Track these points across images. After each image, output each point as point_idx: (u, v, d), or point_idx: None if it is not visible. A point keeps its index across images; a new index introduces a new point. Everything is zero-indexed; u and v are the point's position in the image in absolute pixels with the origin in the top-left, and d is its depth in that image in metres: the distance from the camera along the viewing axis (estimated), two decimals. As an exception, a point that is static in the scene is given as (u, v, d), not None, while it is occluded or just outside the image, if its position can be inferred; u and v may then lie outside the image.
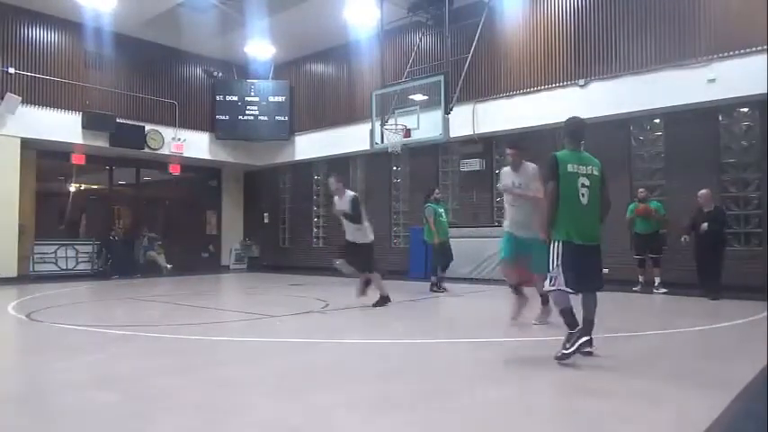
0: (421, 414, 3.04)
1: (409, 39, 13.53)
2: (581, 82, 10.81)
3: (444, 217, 9.69)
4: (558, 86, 11.12)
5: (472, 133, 12.12)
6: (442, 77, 11.43)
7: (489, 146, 12.39)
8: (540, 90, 11.32)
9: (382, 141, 12.40)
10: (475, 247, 11.87)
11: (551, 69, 11.29)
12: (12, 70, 12.38)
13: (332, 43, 14.67)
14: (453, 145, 12.63)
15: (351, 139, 14.12)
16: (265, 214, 17.01)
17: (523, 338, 5.40)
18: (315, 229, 15.83)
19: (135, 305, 8.60)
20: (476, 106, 12.07)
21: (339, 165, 15.09)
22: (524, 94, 11.51)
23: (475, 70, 12.06)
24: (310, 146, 15.52)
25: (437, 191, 9.87)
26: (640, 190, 9.57)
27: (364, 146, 13.04)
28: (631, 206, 9.48)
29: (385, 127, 12.40)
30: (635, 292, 9.14)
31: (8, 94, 12.06)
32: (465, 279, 11.76)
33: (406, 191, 14.01)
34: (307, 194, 15.99)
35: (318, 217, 15.73)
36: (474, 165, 12.43)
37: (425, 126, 11.67)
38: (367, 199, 14.81)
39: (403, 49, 13.47)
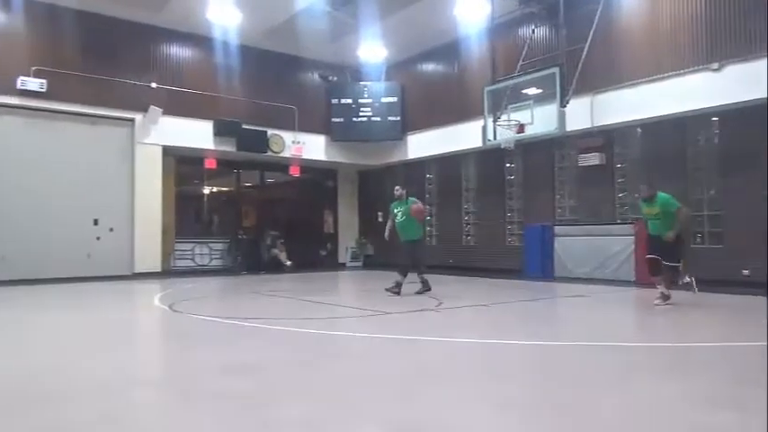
0: (534, 417, 2.99)
1: (521, 31, 13.19)
2: (714, 65, 9.92)
3: (400, 217, 8.93)
4: (688, 71, 10.28)
5: (590, 126, 11.57)
6: (557, 69, 11.04)
7: (610, 139, 11.76)
8: (667, 77, 10.53)
9: (495, 138, 12.23)
10: (596, 246, 11.34)
11: (679, 53, 10.45)
12: (154, 85, 13.72)
13: (442, 41, 14.67)
14: (570, 139, 12.14)
15: (463, 136, 14.05)
16: (379, 213, 17.36)
17: (645, 343, 5.09)
18: (428, 227, 15.93)
19: (261, 299, 9.21)
20: (594, 97, 11.50)
21: (451, 163, 15.09)
22: (649, 81, 10.76)
23: (593, 59, 11.47)
24: (422, 145, 15.65)
25: (397, 188, 9.14)
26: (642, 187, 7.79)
27: (476, 143, 12.93)
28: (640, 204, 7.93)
29: (497, 123, 12.21)
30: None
31: (151, 106, 13.38)
32: (585, 280, 11.27)
33: (520, 187, 13.68)
34: (419, 193, 16.09)
35: (432, 215, 15.82)
36: (593, 159, 11.85)
37: (540, 120, 11.34)
38: (480, 197, 14.70)
39: (515, 43, 13.16)
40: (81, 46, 12.76)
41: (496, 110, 12.26)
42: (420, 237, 9.15)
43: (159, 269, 13.53)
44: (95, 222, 12.93)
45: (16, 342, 5.48)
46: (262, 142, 15.11)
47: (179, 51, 14.46)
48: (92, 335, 5.87)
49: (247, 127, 14.82)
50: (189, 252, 14.86)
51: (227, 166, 15.89)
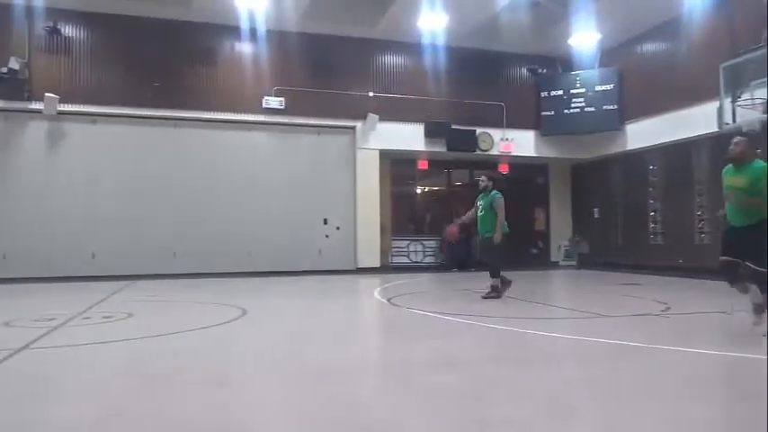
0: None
1: (769, -7, 11.25)
2: None
3: (480, 210, 8.52)
4: None
5: None
6: (819, 33, 9.24)
7: None
8: None
9: (734, 120, 10.69)
10: None
11: None
12: (371, 94, 14.82)
13: (664, 18, 13.23)
14: (839, 115, 10.03)
15: (691, 122, 12.52)
16: (595, 209, 16.39)
17: None
18: (651, 225, 14.53)
19: (472, 296, 9.38)
20: None
21: (679, 152, 13.55)
22: None
23: None
24: (644, 134, 14.32)
25: (482, 178, 8.63)
26: None
27: (710, 128, 11.44)
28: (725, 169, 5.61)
29: (737, 103, 10.65)
30: None
31: (369, 114, 14.49)
32: None
33: (770, 176, 11.69)
34: (641, 186, 14.79)
35: (655, 211, 14.40)
36: None
37: (796, 96, 9.61)
38: (716, 188, 12.91)
39: (757, 8, 11.27)
40: (310, 65, 14.36)
41: (736, 88, 10.70)
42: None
43: (378, 265, 14.59)
44: (325, 222, 14.45)
45: (261, 326, 6.44)
46: (470, 141, 15.33)
47: (392, 60, 15.39)
48: (321, 323, 6.62)
49: (456, 127, 15.17)
50: (404, 249, 15.76)
51: (437, 166, 16.45)
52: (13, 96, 12.24)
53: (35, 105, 12.32)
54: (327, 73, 14.51)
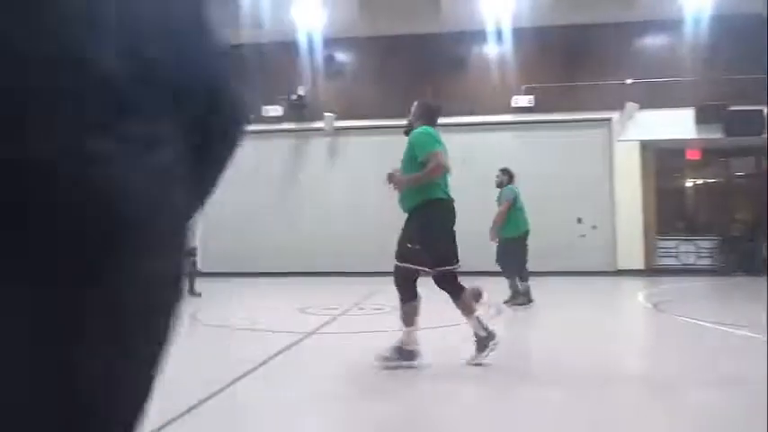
0: None
1: None
2: None
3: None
4: None
5: None
6: None
7: None
8: None
9: None
10: None
11: None
12: (629, 81, 13.67)
13: None
14: None
15: None
16: None
17: None
18: None
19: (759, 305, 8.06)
20: None
21: None
22: None
23: None
24: None
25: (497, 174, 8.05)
26: None
27: None
28: None
29: None
30: None
31: (627, 103, 13.40)
32: None
33: None
34: None
35: None
36: None
37: None
38: None
39: None
40: (560, 58, 13.91)
41: None
42: (511, 234, 7.58)
43: (642, 266, 13.42)
44: (579, 221, 13.81)
45: (521, 326, 6.51)
46: (757, 123, 13.06)
47: (652, 42, 14.05)
48: (581, 327, 6.41)
49: (737, 108, 13.09)
50: (672, 250, 14.18)
51: (711, 154, 14.45)
52: (301, 118, 14.58)
53: (317, 124, 14.46)
54: (579, 64, 13.89)
